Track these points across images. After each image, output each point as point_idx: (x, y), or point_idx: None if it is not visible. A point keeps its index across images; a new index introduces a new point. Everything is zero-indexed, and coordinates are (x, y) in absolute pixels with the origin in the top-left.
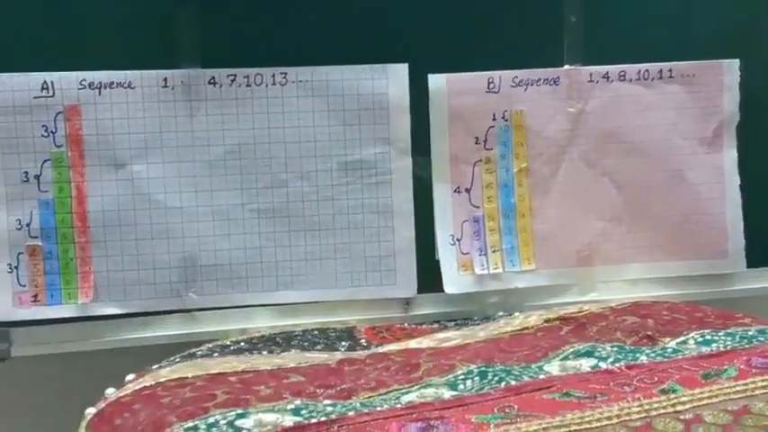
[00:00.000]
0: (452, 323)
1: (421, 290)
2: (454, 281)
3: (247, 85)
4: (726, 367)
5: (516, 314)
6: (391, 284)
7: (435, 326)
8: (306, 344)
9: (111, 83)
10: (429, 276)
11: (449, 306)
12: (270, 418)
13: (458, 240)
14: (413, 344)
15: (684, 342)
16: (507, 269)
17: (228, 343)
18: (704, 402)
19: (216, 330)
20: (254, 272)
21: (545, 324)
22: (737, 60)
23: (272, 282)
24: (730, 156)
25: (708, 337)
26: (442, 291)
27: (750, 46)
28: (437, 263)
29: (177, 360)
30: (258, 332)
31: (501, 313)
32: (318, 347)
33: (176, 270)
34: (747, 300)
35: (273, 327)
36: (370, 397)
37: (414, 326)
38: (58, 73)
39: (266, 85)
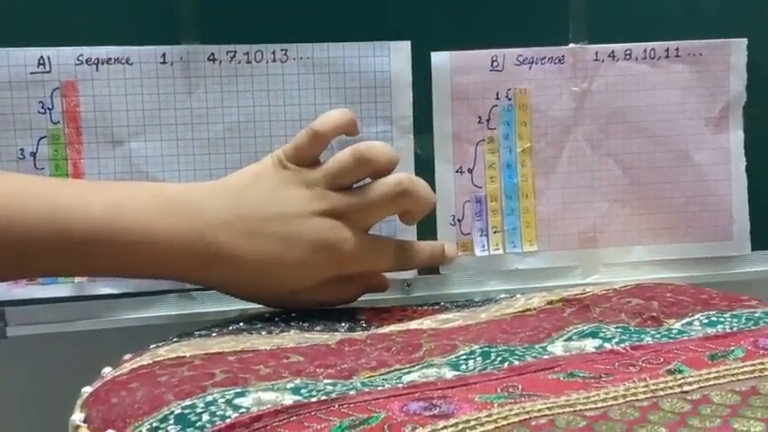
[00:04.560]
0: (453, 305)
1: (421, 271)
2: (455, 262)
3: (247, 62)
4: (733, 348)
5: (518, 296)
6: None
7: (436, 307)
8: (305, 324)
9: (109, 59)
10: None
11: (449, 287)
12: (269, 396)
13: (459, 221)
14: (414, 325)
15: (690, 323)
16: (509, 251)
17: (227, 323)
18: (711, 383)
19: (214, 311)
20: None
21: (548, 306)
22: (745, 40)
23: None
24: (736, 137)
25: (713, 319)
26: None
27: (758, 25)
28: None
29: (175, 339)
30: (257, 312)
31: (503, 295)
32: (318, 328)
33: None
34: (752, 283)
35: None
36: (371, 376)
37: (414, 307)
38: (55, 48)
39: (266, 62)
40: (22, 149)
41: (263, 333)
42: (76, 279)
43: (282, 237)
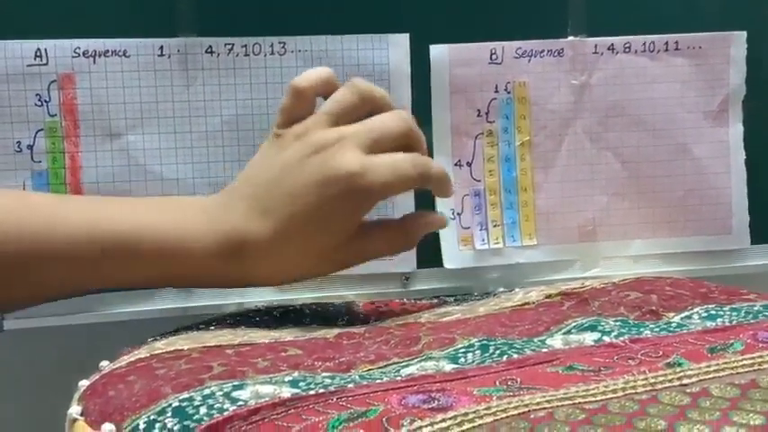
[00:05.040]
0: (452, 298)
1: (420, 265)
2: (454, 256)
3: (245, 55)
4: (732, 341)
5: (517, 290)
6: (390, 259)
7: (435, 301)
8: (303, 318)
9: (107, 51)
10: (428, 251)
11: (448, 281)
12: (267, 389)
13: (458, 215)
14: (412, 318)
15: (689, 317)
16: (508, 244)
17: (225, 316)
18: (711, 376)
19: (212, 304)
20: None
21: (546, 299)
22: (744, 33)
23: None
24: (736, 130)
25: (713, 312)
26: (442, 266)
27: (757, 18)
28: (437, 237)
29: (172, 333)
30: (255, 306)
31: (501, 289)
32: (316, 322)
33: None
34: (751, 276)
35: (271, 301)
36: (369, 370)
37: (413, 301)
38: (51, 40)
39: (265, 55)
40: (18, 142)
41: (261, 326)
42: None
43: (290, 193)
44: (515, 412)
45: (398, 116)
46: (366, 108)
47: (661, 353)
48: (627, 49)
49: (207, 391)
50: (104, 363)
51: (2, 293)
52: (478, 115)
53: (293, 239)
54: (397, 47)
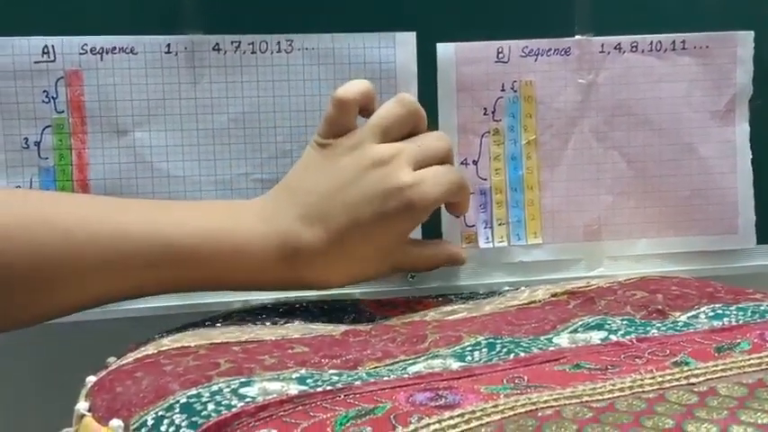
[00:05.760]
0: (458, 297)
1: None
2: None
3: (252, 52)
4: (739, 341)
5: (522, 288)
6: None
7: (440, 299)
8: (310, 316)
9: (114, 48)
10: None
11: (454, 279)
12: (275, 386)
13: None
14: (418, 316)
15: (695, 316)
16: (513, 243)
17: (231, 313)
18: (718, 375)
19: (219, 301)
20: None
21: (552, 298)
22: (752, 32)
23: None
24: (742, 130)
25: (719, 312)
26: None
27: (764, 18)
28: (440, 236)
29: (179, 329)
30: (261, 303)
31: (507, 288)
32: (323, 319)
33: None
34: (757, 276)
35: (277, 299)
36: (376, 367)
37: (419, 299)
38: (59, 37)
39: (271, 53)
40: (26, 139)
41: (268, 324)
42: None
43: (347, 203)
44: (523, 410)
45: (442, 136)
46: (411, 121)
47: (668, 352)
48: (634, 49)
49: (214, 388)
50: (112, 359)
51: (59, 299)
52: (485, 114)
53: (346, 247)
54: (403, 45)
